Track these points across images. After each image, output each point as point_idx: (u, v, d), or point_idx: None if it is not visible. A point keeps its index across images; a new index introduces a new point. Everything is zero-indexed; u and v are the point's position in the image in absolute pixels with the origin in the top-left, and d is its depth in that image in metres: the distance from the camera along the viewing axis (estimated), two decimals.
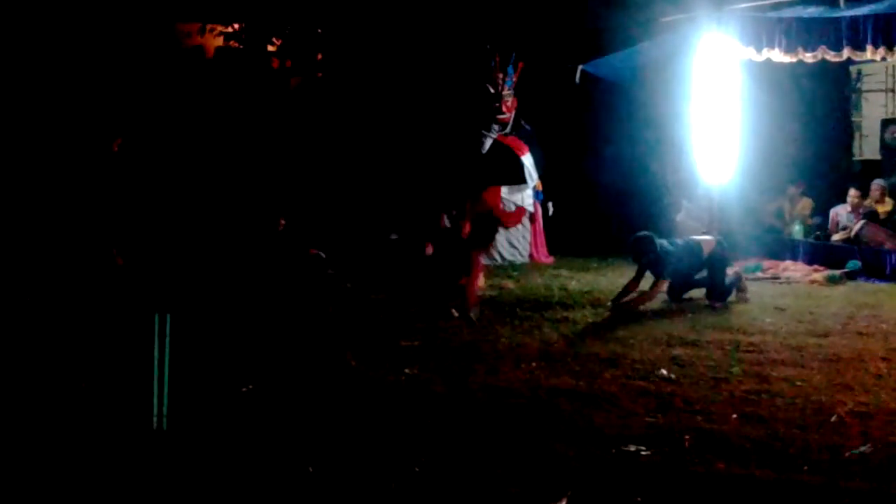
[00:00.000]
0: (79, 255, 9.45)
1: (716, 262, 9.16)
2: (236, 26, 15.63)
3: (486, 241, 9.49)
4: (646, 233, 9.20)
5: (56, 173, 10.63)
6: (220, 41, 15.77)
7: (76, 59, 13.30)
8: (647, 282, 9.12)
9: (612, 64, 12.66)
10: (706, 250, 9.16)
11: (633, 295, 9.04)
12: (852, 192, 11.89)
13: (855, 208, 11.78)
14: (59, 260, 9.47)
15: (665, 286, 9.10)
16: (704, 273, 9.25)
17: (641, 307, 8.80)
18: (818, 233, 11.99)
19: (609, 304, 8.98)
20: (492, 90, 12.34)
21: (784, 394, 5.88)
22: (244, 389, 6.04)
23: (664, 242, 9.19)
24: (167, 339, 5.40)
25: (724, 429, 5.20)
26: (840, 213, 11.94)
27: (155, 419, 5.36)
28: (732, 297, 9.20)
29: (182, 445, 5.12)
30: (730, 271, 9.48)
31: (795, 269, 10.99)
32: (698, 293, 9.37)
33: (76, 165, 10.37)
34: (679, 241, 9.47)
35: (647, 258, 8.99)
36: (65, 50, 13.26)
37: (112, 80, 13.40)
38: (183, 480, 4.65)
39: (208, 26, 15.58)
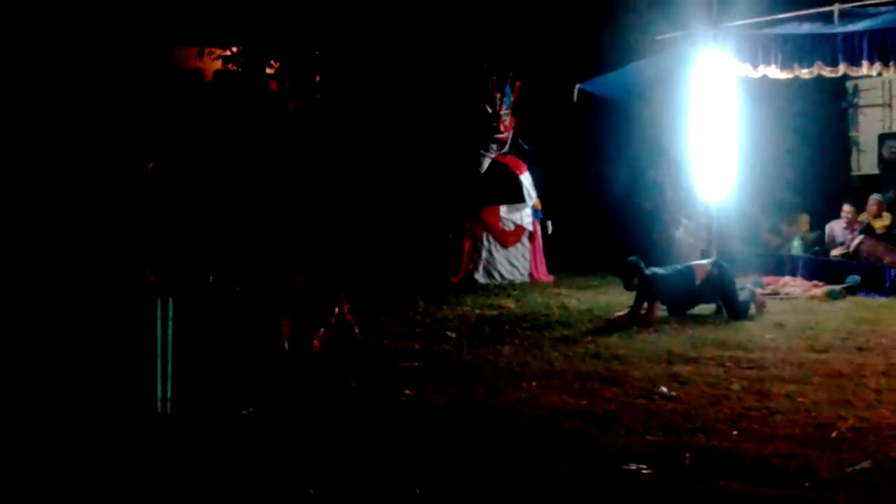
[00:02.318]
0: (109, 273, 9.59)
1: (717, 286, 9.22)
2: (234, 49, 15.70)
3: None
4: (630, 259, 9.36)
5: (85, 193, 10.86)
6: (218, 64, 15.85)
7: (85, 83, 13.47)
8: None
9: (610, 82, 12.69)
10: (700, 275, 9.22)
11: (625, 312, 9.16)
12: (846, 207, 11.91)
13: (849, 224, 11.79)
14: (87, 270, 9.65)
15: (659, 309, 9.15)
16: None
17: (639, 325, 8.85)
18: (817, 248, 12.00)
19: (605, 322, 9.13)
20: (489, 110, 12.38)
21: (784, 410, 5.88)
22: (245, 412, 6.03)
23: (655, 269, 9.35)
24: (170, 324, 5.50)
25: (725, 446, 5.20)
26: (835, 228, 11.95)
27: (159, 403, 5.45)
28: (753, 311, 9.26)
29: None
30: (748, 286, 9.71)
31: (795, 285, 10.99)
32: (699, 309, 9.40)
33: (109, 188, 10.54)
34: (671, 267, 9.57)
35: (634, 284, 9.12)
36: (71, 74, 13.42)
37: (122, 104, 13.56)
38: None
39: (206, 49, 15.66)
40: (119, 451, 5.04)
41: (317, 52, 15.85)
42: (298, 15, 15.12)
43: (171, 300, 5.61)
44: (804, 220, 12.63)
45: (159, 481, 4.66)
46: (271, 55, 15.69)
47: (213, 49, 15.66)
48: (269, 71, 15.86)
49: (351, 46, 15.40)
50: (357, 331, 8.15)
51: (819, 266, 11.46)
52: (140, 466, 4.85)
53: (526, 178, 12.42)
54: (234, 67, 15.77)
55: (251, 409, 6.08)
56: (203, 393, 6.22)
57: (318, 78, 15.97)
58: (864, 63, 9.85)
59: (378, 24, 15.00)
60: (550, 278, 12.34)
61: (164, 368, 5.59)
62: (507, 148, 12.54)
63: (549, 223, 12.69)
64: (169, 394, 5.57)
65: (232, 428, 5.58)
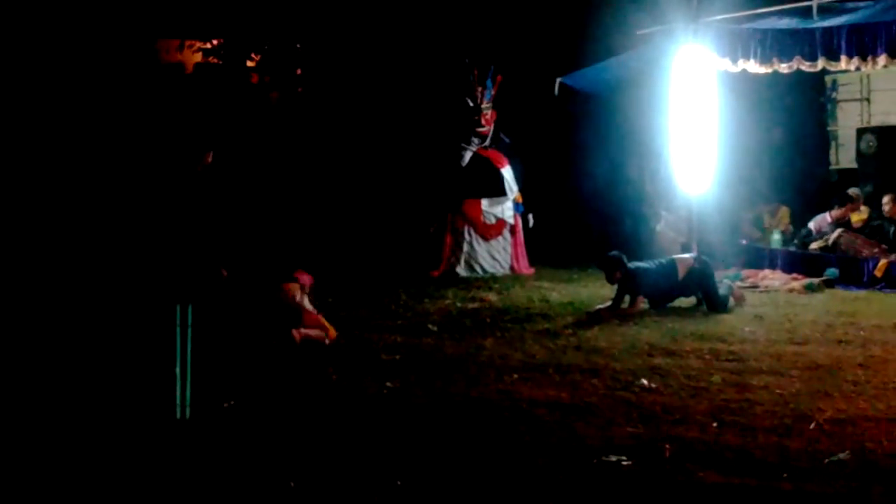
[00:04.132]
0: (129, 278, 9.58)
1: (699, 279, 9.27)
2: (215, 42, 15.65)
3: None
4: (613, 253, 9.39)
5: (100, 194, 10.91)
6: (198, 57, 15.79)
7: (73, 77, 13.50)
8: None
9: (590, 76, 12.73)
10: (682, 270, 9.27)
11: (606, 305, 9.19)
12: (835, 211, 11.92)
13: (837, 219, 11.81)
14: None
15: (642, 303, 9.20)
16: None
17: (620, 318, 8.89)
18: (796, 241, 12.06)
19: (585, 314, 9.16)
20: (471, 103, 12.38)
21: (763, 402, 5.92)
22: (226, 405, 6.03)
23: (638, 263, 9.41)
24: (189, 329, 5.49)
25: (705, 437, 5.24)
26: (821, 224, 11.98)
27: (178, 409, 5.45)
28: (732, 304, 9.30)
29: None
30: (725, 280, 9.77)
31: (774, 278, 11.05)
32: (679, 302, 9.45)
33: (167, 184, 10.58)
34: (653, 261, 9.61)
35: (616, 278, 9.16)
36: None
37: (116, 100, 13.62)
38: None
39: (187, 42, 15.59)
40: (138, 458, 5.04)
41: (298, 46, 15.82)
42: (279, 8, 15.09)
43: (189, 306, 5.59)
44: (784, 213, 12.70)
45: (176, 487, 4.66)
46: (252, 48, 15.65)
47: (193, 42, 15.60)
48: (249, 64, 15.82)
49: (332, 40, 15.37)
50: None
51: (798, 259, 11.53)
52: (159, 472, 4.84)
53: (507, 172, 12.44)
54: (215, 60, 15.72)
55: (232, 402, 6.08)
56: (223, 398, 6.20)
57: (298, 71, 15.94)
58: (843, 58, 9.91)
59: (359, 17, 14.98)
60: (532, 271, 12.37)
61: (183, 374, 5.57)
62: (488, 141, 12.56)
63: (531, 216, 12.71)
64: (188, 399, 5.56)
65: (249, 433, 5.56)
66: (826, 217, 11.95)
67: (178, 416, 5.55)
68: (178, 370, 5.54)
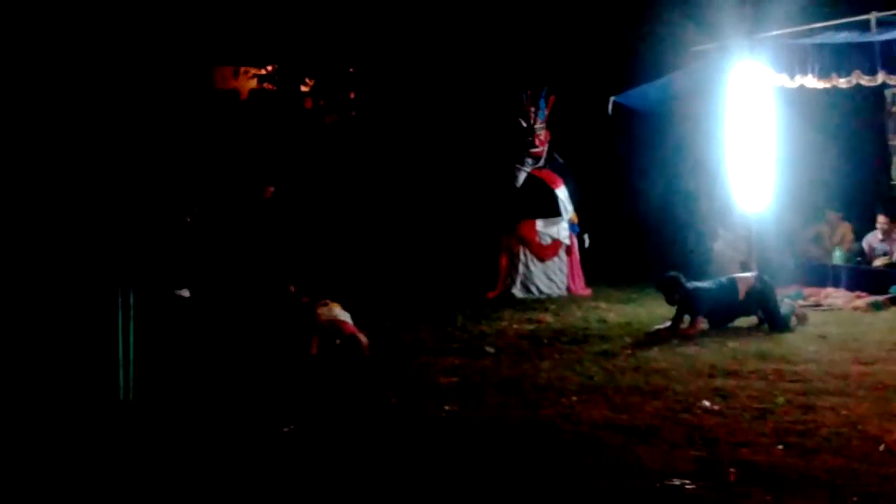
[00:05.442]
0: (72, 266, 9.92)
1: (760, 298, 9.14)
2: (269, 68, 15.85)
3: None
4: (671, 274, 9.29)
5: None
6: (253, 83, 16.01)
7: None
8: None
9: (645, 94, 12.64)
10: (743, 289, 9.15)
11: (665, 325, 9.10)
12: (881, 218, 11.72)
13: (887, 234, 11.62)
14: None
15: (702, 323, 9.08)
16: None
17: (680, 338, 8.79)
18: (859, 258, 11.85)
19: (644, 335, 9.07)
20: (524, 124, 12.37)
21: (830, 423, 5.81)
22: (286, 429, 6.05)
23: (697, 283, 9.31)
24: (131, 313, 5.72)
25: (770, 460, 5.14)
26: (872, 241, 11.79)
27: (121, 391, 5.69)
28: (794, 323, 9.17)
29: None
30: (786, 299, 9.57)
31: (837, 296, 10.85)
32: (740, 321, 9.31)
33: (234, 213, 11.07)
34: (714, 280, 9.49)
35: (675, 299, 9.06)
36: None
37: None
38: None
39: (242, 69, 15.82)
40: (80, 436, 5.31)
41: (351, 70, 15.97)
42: (333, 33, 15.25)
43: (131, 291, 5.82)
44: (846, 229, 12.49)
45: (118, 465, 4.86)
46: (306, 73, 15.83)
47: (248, 68, 15.83)
48: (304, 89, 16.00)
49: (385, 63, 15.49)
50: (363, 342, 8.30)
51: (861, 276, 11.32)
52: (99, 450, 5.10)
53: (562, 192, 12.38)
54: (270, 86, 15.92)
55: (292, 426, 6.10)
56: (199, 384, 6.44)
57: (352, 95, 16.09)
58: None
59: (412, 40, 15.09)
60: (588, 292, 12.28)
61: (126, 357, 5.85)
62: (542, 162, 12.52)
63: (587, 236, 12.64)
64: (132, 382, 5.79)
65: (197, 417, 5.77)
66: (877, 234, 11.75)
67: (122, 397, 5.78)
68: (120, 353, 5.77)
